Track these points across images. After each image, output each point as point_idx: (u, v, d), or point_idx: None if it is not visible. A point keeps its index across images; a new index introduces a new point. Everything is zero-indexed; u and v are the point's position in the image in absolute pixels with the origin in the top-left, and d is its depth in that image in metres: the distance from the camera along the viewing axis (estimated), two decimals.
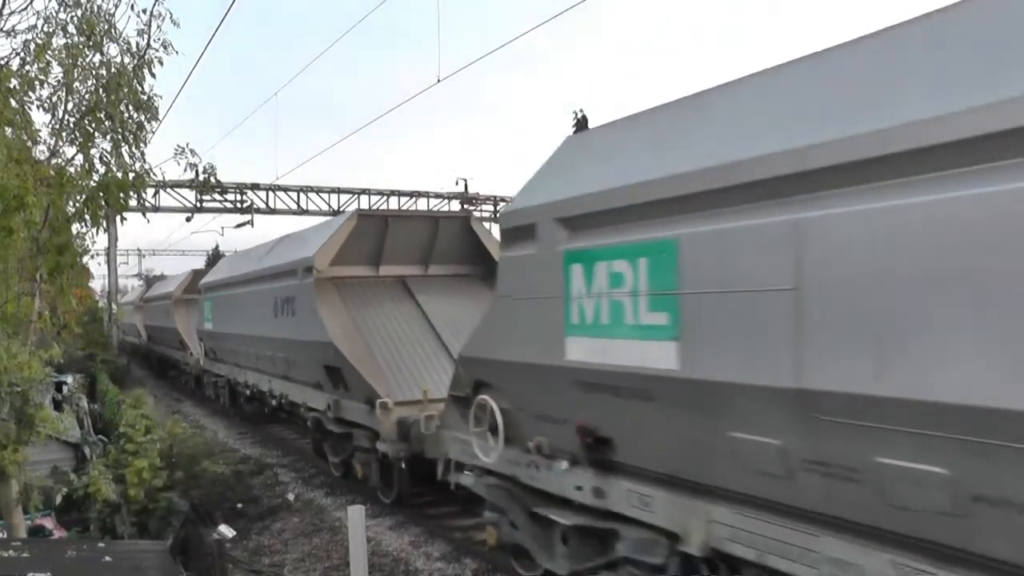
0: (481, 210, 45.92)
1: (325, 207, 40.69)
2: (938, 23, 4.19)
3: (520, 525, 7.40)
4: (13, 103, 6.45)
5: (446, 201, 44.30)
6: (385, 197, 42.09)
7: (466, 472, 8.20)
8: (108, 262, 38.05)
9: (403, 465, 10.27)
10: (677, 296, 5.11)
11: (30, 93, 6.72)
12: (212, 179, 7.88)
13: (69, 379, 17.36)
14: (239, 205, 39.14)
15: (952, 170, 3.63)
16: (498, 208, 46.23)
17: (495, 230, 15.21)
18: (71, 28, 6.87)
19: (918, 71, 4.13)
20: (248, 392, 17.38)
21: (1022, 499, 3.44)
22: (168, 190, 36.29)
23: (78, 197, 7.06)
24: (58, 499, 10.94)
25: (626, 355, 5.54)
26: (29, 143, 6.93)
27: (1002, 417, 3.39)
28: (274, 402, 15.35)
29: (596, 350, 5.84)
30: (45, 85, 6.81)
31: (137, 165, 7.29)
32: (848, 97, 4.41)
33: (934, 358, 3.66)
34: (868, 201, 3.97)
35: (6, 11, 6.86)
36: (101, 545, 7.41)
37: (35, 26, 6.77)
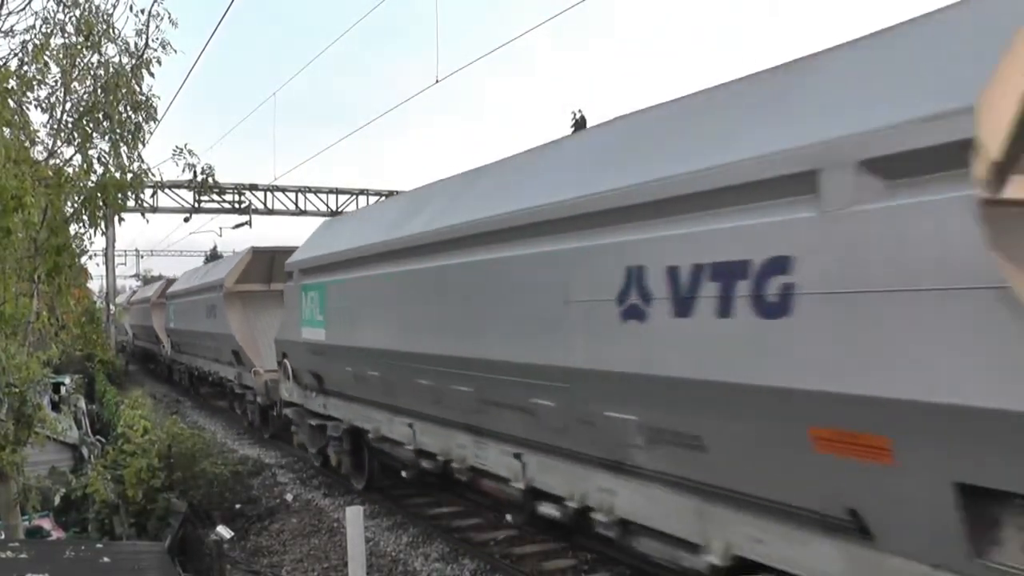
0: None
1: (323, 208, 40.68)
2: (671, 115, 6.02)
3: (303, 430, 13.18)
4: (11, 103, 6.45)
5: None
6: (383, 197, 42.08)
7: (286, 407, 13.98)
8: (106, 263, 38.03)
9: (273, 410, 16.05)
10: (327, 308, 10.91)
11: (28, 93, 6.72)
12: (210, 180, 7.89)
13: (67, 380, 17.36)
14: (237, 206, 39.12)
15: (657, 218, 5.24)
16: None
17: None
18: (69, 28, 6.88)
19: (629, 154, 6.02)
20: (197, 373, 24.06)
21: (676, 431, 5.20)
22: (166, 190, 36.23)
23: (76, 197, 7.07)
24: (56, 500, 10.96)
25: (317, 335, 11.25)
26: (27, 143, 6.93)
27: (646, 379, 5.26)
28: (210, 379, 21.89)
29: (311, 334, 11.54)
30: (43, 85, 6.82)
31: (135, 165, 7.31)
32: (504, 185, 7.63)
33: (621, 343, 5.46)
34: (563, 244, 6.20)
35: (4, 11, 6.86)
36: (99, 546, 7.42)
37: (33, 26, 6.78)
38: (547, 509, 6.94)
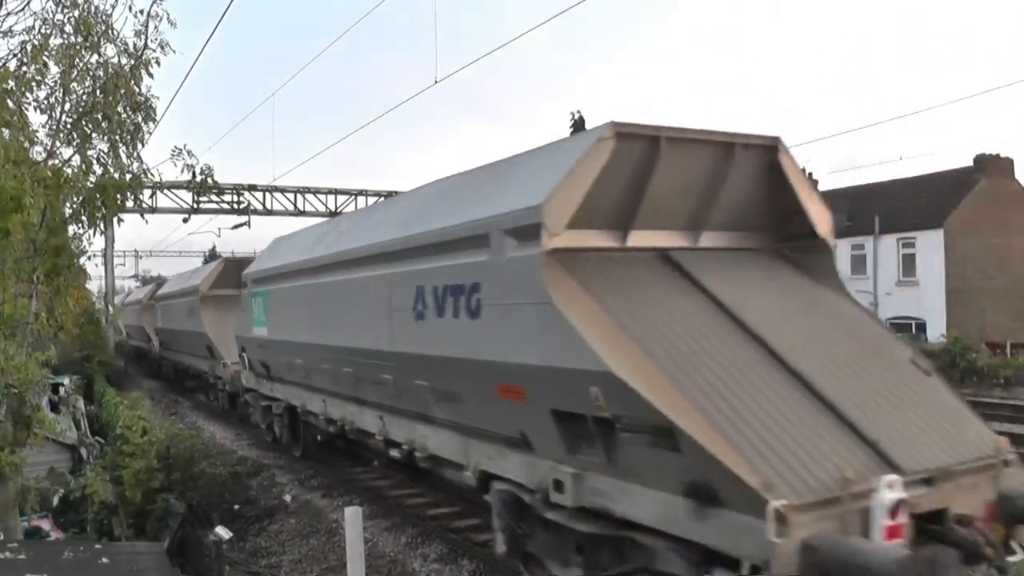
0: None
1: (322, 208, 40.67)
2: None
3: (258, 409, 15.85)
4: (10, 104, 6.44)
5: None
6: (382, 198, 42.07)
7: (246, 393, 16.56)
8: (105, 263, 37.98)
9: (239, 396, 18.02)
10: (269, 311, 13.45)
11: (27, 94, 6.71)
12: (209, 180, 7.88)
13: (66, 381, 17.33)
14: (236, 206, 39.10)
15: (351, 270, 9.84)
16: None
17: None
18: (68, 29, 6.87)
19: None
20: (180, 367, 26.89)
21: (447, 390, 7.88)
22: (165, 191, 36.20)
23: (75, 198, 7.06)
24: (55, 501, 10.94)
25: (263, 332, 13.79)
26: (26, 144, 6.92)
27: (428, 357, 7.98)
28: (191, 372, 25.12)
29: (259, 331, 14.05)
30: (42, 86, 6.81)
31: (134, 166, 7.30)
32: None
33: (414, 335, 8.21)
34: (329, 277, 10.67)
35: (3, 12, 6.86)
36: (98, 547, 7.42)
37: (32, 27, 6.77)
38: (393, 452, 9.73)
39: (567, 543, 6.78)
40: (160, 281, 36.21)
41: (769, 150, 7.32)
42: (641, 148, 6.69)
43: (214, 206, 38.76)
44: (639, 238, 7.07)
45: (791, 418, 5.55)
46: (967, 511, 5.31)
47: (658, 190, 6.85)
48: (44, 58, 6.63)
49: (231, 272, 19.93)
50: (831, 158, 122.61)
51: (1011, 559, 5.56)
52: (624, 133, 6.52)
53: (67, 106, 7.00)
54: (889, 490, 4.88)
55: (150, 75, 7.18)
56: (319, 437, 13.42)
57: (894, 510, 4.85)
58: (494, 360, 6.86)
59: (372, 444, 10.96)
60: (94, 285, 49.04)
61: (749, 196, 7.49)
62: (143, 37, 7.07)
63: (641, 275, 6.86)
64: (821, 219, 7.61)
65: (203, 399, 24.59)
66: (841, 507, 4.89)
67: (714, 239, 7.58)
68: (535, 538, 7.23)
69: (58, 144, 7.09)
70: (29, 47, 6.61)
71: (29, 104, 6.80)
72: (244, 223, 39.78)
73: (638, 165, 6.73)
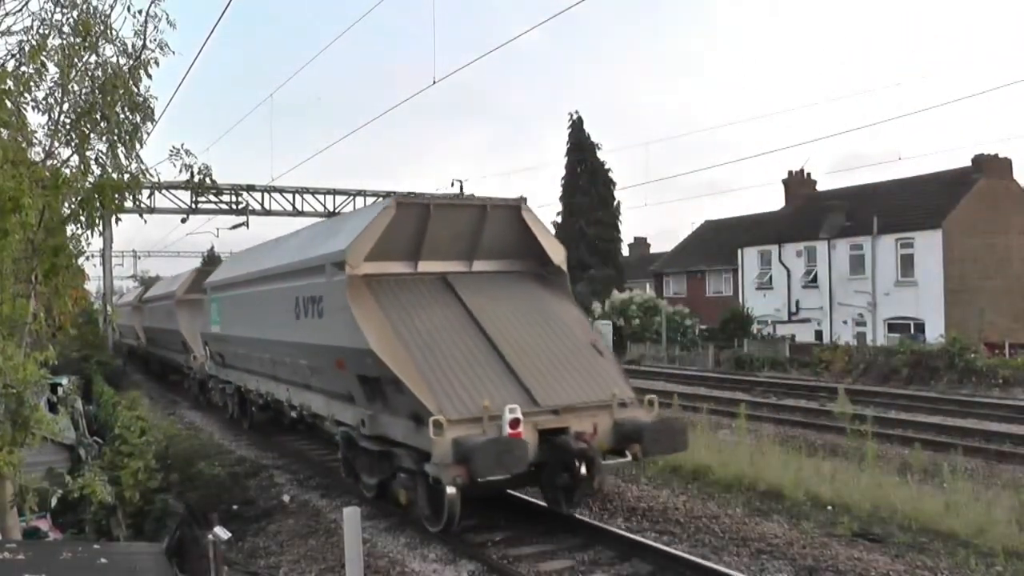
0: None
1: (320, 208, 40.66)
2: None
3: (217, 391, 19.79)
4: (8, 104, 6.43)
5: None
6: (380, 198, 42.06)
7: (210, 379, 20.45)
8: (103, 263, 37.96)
9: (209, 383, 21.22)
10: (220, 312, 17.44)
11: (25, 94, 6.70)
12: (207, 180, 7.86)
13: (64, 381, 17.31)
14: (234, 206, 39.08)
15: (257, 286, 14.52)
16: None
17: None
18: (67, 29, 6.85)
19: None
20: (163, 361, 30.28)
21: (314, 367, 11.97)
22: (163, 191, 36.19)
23: (73, 199, 7.05)
24: (53, 501, 10.91)
25: (217, 329, 17.70)
26: (24, 144, 6.92)
27: (303, 344, 11.99)
28: (171, 365, 28.30)
29: (215, 328, 17.87)
30: (41, 86, 6.79)
31: (133, 166, 7.28)
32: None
33: (297, 329, 12.13)
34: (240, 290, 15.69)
35: (1, 12, 6.85)
36: (96, 547, 7.40)
37: (31, 27, 6.76)
38: (293, 414, 13.81)
39: (371, 460, 10.56)
40: (147, 285, 41.67)
41: (514, 208, 11.29)
42: (417, 210, 10.63)
43: (212, 206, 38.74)
44: (426, 266, 10.96)
45: (479, 375, 9.50)
46: (582, 430, 9.06)
47: (435, 235, 10.71)
48: (42, 59, 6.62)
49: (202, 280, 23.30)
50: (831, 158, 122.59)
51: (620, 460, 9.56)
52: (403, 203, 10.58)
53: (66, 106, 6.98)
54: (510, 413, 8.57)
55: (149, 76, 7.17)
56: (254, 409, 17.36)
57: (513, 423, 8.54)
58: (331, 344, 10.60)
59: (284, 410, 14.51)
60: (92, 285, 49.16)
61: (505, 237, 11.36)
62: (142, 37, 7.06)
63: (424, 292, 10.68)
64: (556, 252, 11.64)
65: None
66: (482, 423, 8.63)
67: (485, 265, 11.42)
68: (357, 460, 11.17)
69: (56, 144, 7.08)
70: (27, 47, 6.60)
71: (28, 104, 6.79)
72: (242, 223, 39.78)
73: (417, 220, 10.62)
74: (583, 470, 8.92)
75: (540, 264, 11.67)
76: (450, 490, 8.55)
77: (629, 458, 9.35)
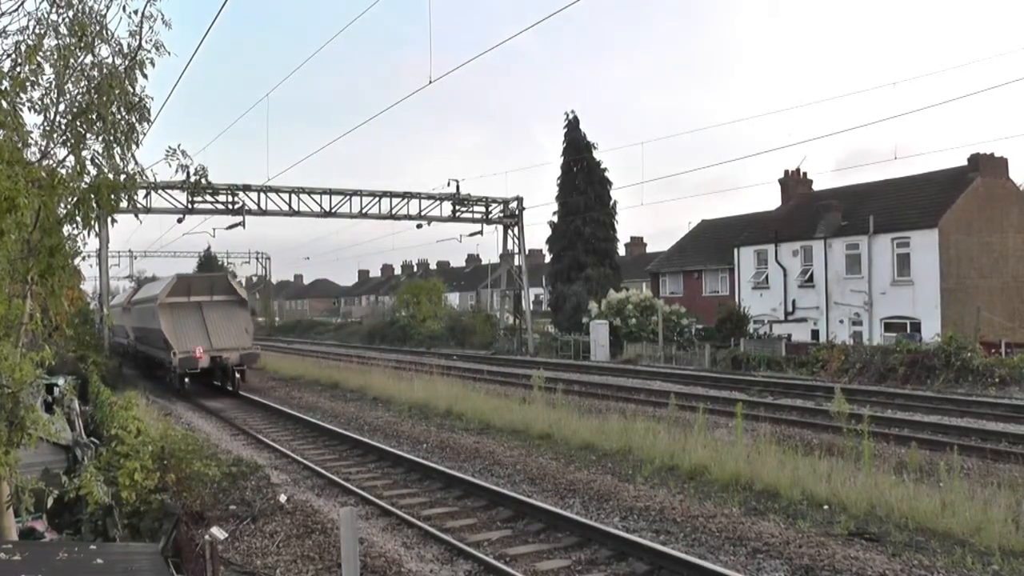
0: (473, 211, 45.91)
1: (317, 208, 40.64)
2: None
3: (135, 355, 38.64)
4: (4, 104, 6.42)
5: (437, 202, 44.20)
6: (377, 198, 42.06)
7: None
8: (99, 264, 37.93)
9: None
10: (130, 316, 37.89)
11: (21, 95, 6.68)
12: (203, 180, 7.85)
13: (60, 381, 17.29)
14: (231, 206, 39.08)
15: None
16: (489, 209, 46.27)
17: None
18: (62, 29, 6.84)
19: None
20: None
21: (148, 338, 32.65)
22: (159, 191, 36.19)
23: (69, 199, 7.03)
24: (50, 502, 10.87)
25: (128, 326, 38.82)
26: (20, 145, 6.90)
27: (141, 328, 34.16)
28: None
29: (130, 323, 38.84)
30: (36, 87, 6.77)
31: (129, 167, 7.26)
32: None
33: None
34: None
35: None
36: (93, 547, 7.39)
37: (26, 27, 6.74)
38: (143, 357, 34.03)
39: (162, 366, 29.82)
40: (136, 288, 47.13)
41: (226, 275, 36.49)
42: (187, 278, 31.91)
43: (209, 206, 38.78)
44: (193, 298, 28.98)
45: (196, 336, 27.90)
46: (228, 356, 28.50)
47: (195, 286, 29.93)
48: (38, 59, 6.60)
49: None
50: (830, 158, 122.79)
51: (240, 368, 28.54)
52: (182, 277, 31.31)
53: (61, 107, 6.96)
54: (199, 350, 27.65)
55: (144, 76, 7.16)
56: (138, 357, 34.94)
57: (198, 351, 27.59)
58: (155, 328, 28.37)
59: (139, 355, 32.78)
60: (88, 286, 49.10)
61: (223, 285, 30.64)
62: (137, 38, 7.04)
63: (191, 309, 28.64)
64: (242, 292, 31.27)
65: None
66: (191, 352, 27.62)
67: (215, 298, 29.46)
68: (161, 368, 29.98)
69: (52, 144, 7.06)
70: (23, 47, 6.58)
71: (23, 104, 6.77)
72: (239, 223, 39.82)
73: (188, 281, 30.56)
74: (233, 374, 28.05)
75: (236, 296, 30.12)
76: (181, 373, 26.65)
77: (245, 367, 28.28)
